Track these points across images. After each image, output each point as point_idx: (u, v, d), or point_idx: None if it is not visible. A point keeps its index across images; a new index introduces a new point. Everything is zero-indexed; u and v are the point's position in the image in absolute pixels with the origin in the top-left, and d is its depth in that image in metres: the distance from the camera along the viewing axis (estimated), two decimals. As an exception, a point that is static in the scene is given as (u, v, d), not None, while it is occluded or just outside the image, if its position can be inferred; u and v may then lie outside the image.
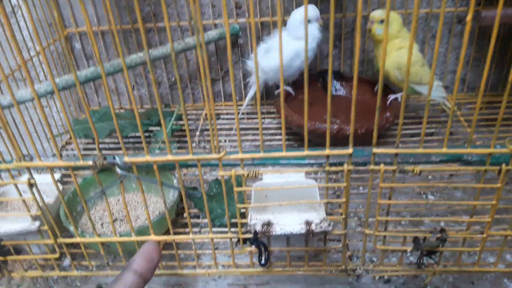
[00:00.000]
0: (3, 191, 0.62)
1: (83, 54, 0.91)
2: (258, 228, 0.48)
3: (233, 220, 0.57)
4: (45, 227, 0.51)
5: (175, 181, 0.62)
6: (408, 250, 0.49)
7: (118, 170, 0.44)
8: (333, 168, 0.43)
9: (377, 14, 0.72)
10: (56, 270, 0.57)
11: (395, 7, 0.83)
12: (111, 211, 0.50)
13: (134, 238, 0.51)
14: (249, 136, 0.84)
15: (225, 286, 0.56)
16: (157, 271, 0.54)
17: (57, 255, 0.54)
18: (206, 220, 0.64)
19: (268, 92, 0.94)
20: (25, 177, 0.46)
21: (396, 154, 0.42)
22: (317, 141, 0.73)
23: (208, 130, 0.86)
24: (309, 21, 0.75)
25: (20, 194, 0.48)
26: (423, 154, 0.44)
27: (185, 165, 0.49)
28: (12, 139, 0.43)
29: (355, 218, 0.64)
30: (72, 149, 0.85)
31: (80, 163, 0.43)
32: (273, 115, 0.90)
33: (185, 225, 0.63)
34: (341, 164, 0.43)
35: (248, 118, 0.90)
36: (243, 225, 0.48)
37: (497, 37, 0.36)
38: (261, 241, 0.48)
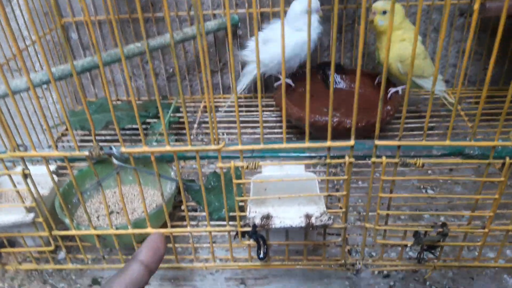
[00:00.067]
0: (-3, 182, 0.61)
1: (79, 44, 0.89)
2: (257, 221, 0.47)
3: (232, 214, 0.56)
4: (40, 219, 0.50)
5: (172, 173, 0.61)
6: (409, 245, 0.49)
7: (114, 161, 0.43)
8: (334, 161, 0.42)
9: (379, 4, 0.71)
10: (51, 263, 0.56)
11: (396, -2, 0.82)
12: (107, 203, 0.49)
13: (130, 231, 0.50)
14: (248, 129, 0.83)
15: (222, 280, 0.55)
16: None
17: (52, 248, 0.53)
18: (204, 213, 0.63)
19: (267, 85, 0.93)
20: (19, 168, 0.45)
21: (399, 147, 0.41)
22: (316, 134, 0.73)
23: (206, 123, 0.85)
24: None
25: (14, 185, 0.47)
26: (425, 147, 0.43)
27: (183, 157, 0.48)
28: (7, 128, 0.42)
29: (355, 213, 0.63)
30: (68, 141, 0.84)
31: (76, 153, 0.42)
32: (272, 108, 0.88)
33: (182, 218, 0.62)
34: (342, 157, 0.43)
35: (246, 111, 0.89)
36: (241, 218, 0.48)
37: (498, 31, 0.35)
38: (259, 234, 0.48)
